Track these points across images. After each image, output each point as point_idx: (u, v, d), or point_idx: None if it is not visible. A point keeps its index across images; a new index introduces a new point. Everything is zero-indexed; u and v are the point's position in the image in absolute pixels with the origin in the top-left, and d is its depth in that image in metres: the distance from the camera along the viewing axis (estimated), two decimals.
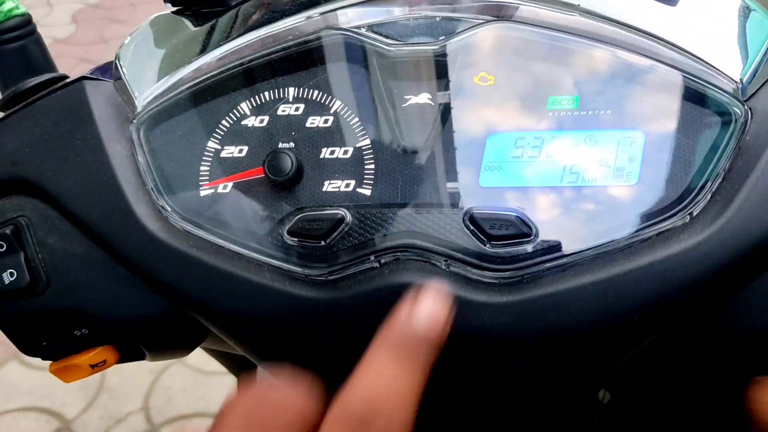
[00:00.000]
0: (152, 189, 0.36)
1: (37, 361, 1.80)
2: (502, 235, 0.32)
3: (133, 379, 1.74)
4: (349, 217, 0.33)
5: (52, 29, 2.96)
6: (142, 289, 0.38)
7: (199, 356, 1.78)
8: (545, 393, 0.38)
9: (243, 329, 0.35)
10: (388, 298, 0.32)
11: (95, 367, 0.43)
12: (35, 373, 1.77)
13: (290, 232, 0.34)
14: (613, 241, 0.32)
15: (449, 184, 0.34)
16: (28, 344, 0.41)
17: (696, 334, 0.34)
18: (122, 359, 0.44)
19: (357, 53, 0.36)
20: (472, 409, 0.39)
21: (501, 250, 0.32)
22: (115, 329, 0.39)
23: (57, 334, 0.40)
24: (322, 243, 0.33)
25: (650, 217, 0.32)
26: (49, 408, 1.69)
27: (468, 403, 0.38)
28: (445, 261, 0.32)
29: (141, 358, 0.44)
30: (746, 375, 0.35)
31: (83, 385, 1.72)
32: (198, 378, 1.72)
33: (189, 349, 0.44)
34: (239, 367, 0.65)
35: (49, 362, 0.44)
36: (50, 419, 1.67)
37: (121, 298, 0.38)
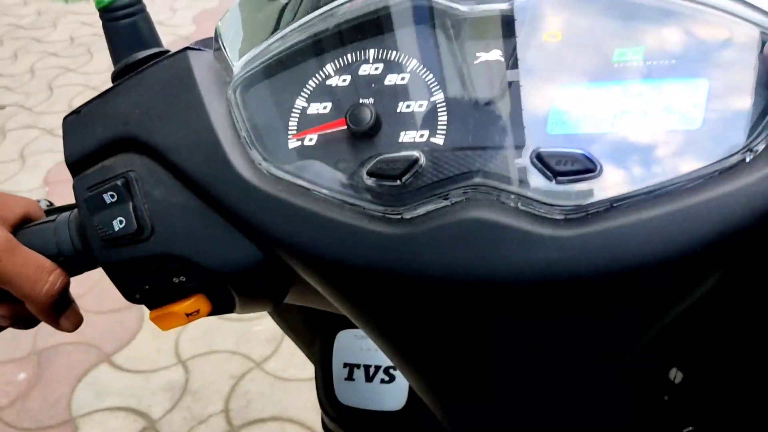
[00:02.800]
0: (246, 142, 0.40)
1: (126, 363, 1.91)
2: (568, 170, 0.34)
3: (214, 383, 1.81)
4: (423, 159, 0.36)
5: (175, 29, 3.53)
6: (236, 236, 0.42)
7: (277, 363, 1.84)
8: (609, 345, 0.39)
9: (326, 266, 0.38)
10: (459, 234, 0.35)
11: (190, 316, 0.47)
12: (124, 376, 1.86)
13: (369, 173, 0.37)
14: (675, 178, 0.33)
15: (518, 130, 0.36)
16: (131, 289, 0.45)
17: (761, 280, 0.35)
18: (214, 310, 0.47)
19: (432, 16, 0.39)
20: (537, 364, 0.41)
21: (567, 186, 0.34)
22: (210, 275, 0.43)
23: (158, 280, 0.44)
24: (398, 182, 0.36)
25: (712, 156, 0.33)
26: (137, 408, 1.77)
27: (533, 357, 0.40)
28: (514, 197, 0.35)
29: (231, 309, 0.48)
30: None
31: (168, 387, 1.80)
32: (275, 384, 1.78)
33: (275, 300, 0.47)
34: (310, 337, 0.68)
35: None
36: (137, 419, 1.75)
37: (217, 245, 0.42)
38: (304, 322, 0.68)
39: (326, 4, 0.43)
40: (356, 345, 0.66)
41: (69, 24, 3.86)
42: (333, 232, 0.37)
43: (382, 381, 0.65)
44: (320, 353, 0.67)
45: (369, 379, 0.65)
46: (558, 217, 0.34)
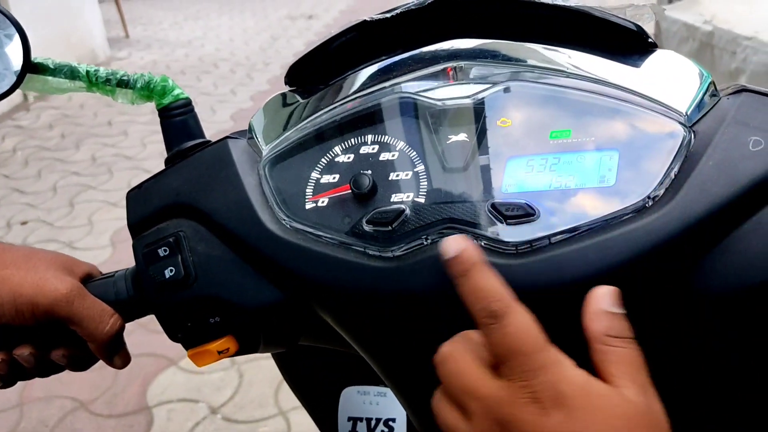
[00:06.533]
0: (273, 204, 0.52)
1: None
2: (514, 215, 0.45)
3: None
4: (408, 210, 0.48)
5: (216, 125, 4.34)
6: (261, 281, 0.52)
7: None
8: None
9: (335, 294, 0.49)
10: (435, 264, 0.46)
11: (221, 354, 0.57)
12: None
13: (368, 221, 0.48)
14: (595, 219, 0.44)
15: (479, 190, 0.48)
16: (175, 329, 0.56)
17: (671, 300, 0.45)
18: (241, 349, 0.57)
19: (415, 109, 0.52)
20: None
21: (514, 227, 0.45)
22: (240, 313, 0.53)
23: (197, 320, 0.55)
24: (390, 228, 0.47)
25: (623, 203, 0.45)
26: None
27: None
28: (476, 236, 0.46)
29: (255, 349, 0.58)
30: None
31: None
32: None
33: (292, 339, 0.57)
34: (314, 395, 0.77)
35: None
36: None
37: (246, 287, 0.53)
38: (310, 381, 0.77)
39: (326, 106, 0.56)
40: (359, 400, 0.74)
41: (92, 145, 4.12)
42: (341, 267, 0.48)
43: None
44: (326, 409, 0.76)
45: (371, 431, 0.73)
46: (510, 250, 0.45)
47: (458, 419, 0.40)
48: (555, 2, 0.51)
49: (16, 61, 0.65)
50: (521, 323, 0.39)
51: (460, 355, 0.41)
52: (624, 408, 0.37)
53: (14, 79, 0.64)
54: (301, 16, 7.96)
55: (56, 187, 3.67)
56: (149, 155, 3.83)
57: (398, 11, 0.54)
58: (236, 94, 5.10)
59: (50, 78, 0.59)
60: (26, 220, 3.33)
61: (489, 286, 0.40)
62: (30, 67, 0.59)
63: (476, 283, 0.41)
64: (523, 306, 0.40)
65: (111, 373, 2.26)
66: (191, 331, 0.56)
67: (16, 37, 0.65)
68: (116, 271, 0.60)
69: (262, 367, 2.29)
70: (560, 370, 0.38)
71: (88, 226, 3.20)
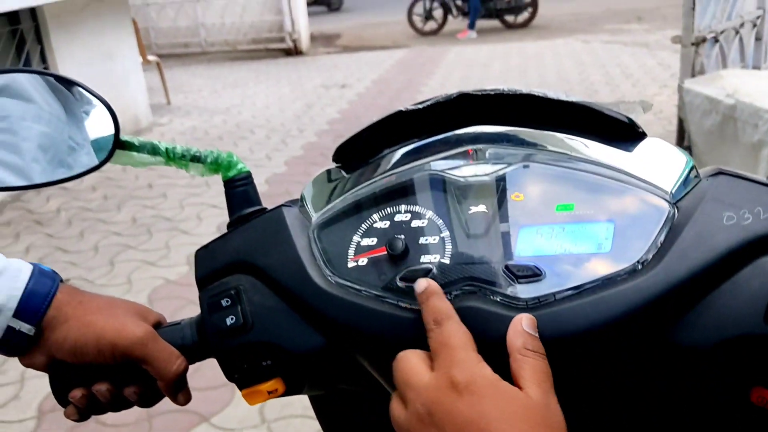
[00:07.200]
0: (321, 263, 0.61)
1: None
2: (524, 275, 0.54)
3: None
4: (435, 269, 0.57)
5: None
6: (309, 330, 0.61)
7: None
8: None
9: (371, 341, 0.57)
10: (459, 316, 0.54)
11: (270, 394, 0.65)
12: None
13: (400, 278, 0.57)
14: (593, 279, 0.53)
15: (496, 254, 0.57)
16: (232, 370, 0.64)
17: (655, 355, 0.53)
18: (288, 390, 0.66)
19: (443, 184, 0.62)
20: None
21: (524, 285, 0.54)
22: (289, 357, 0.62)
23: (252, 362, 0.63)
24: None
25: (617, 266, 0.53)
26: None
27: None
28: (492, 293, 0.54)
29: (300, 390, 0.66)
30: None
31: None
32: None
33: (333, 383, 0.66)
34: None
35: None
36: None
37: (295, 334, 0.62)
38: (345, 427, 0.84)
39: (366, 180, 0.66)
40: None
41: (132, 207, 4.29)
42: (377, 317, 0.57)
43: None
44: None
45: None
46: (521, 305, 0.54)
47: (401, 409, 0.51)
48: (560, 98, 0.61)
49: (95, 135, 0.76)
50: (453, 327, 0.52)
51: (408, 357, 0.53)
52: (525, 403, 0.47)
53: (93, 152, 0.75)
54: (335, 86, 8.25)
55: (98, 247, 3.83)
56: (187, 217, 3.98)
57: (428, 103, 0.64)
58: (271, 159, 5.29)
59: (135, 153, 0.70)
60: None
61: (439, 305, 0.53)
62: (119, 144, 0.70)
63: (431, 305, 0.53)
64: (459, 320, 0.52)
65: (145, 430, 2.34)
66: (246, 373, 0.64)
67: (94, 113, 0.77)
68: (183, 320, 0.70)
69: (292, 425, 2.34)
70: (477, 367, 0.49)
71: (127, 284, 3.32)
